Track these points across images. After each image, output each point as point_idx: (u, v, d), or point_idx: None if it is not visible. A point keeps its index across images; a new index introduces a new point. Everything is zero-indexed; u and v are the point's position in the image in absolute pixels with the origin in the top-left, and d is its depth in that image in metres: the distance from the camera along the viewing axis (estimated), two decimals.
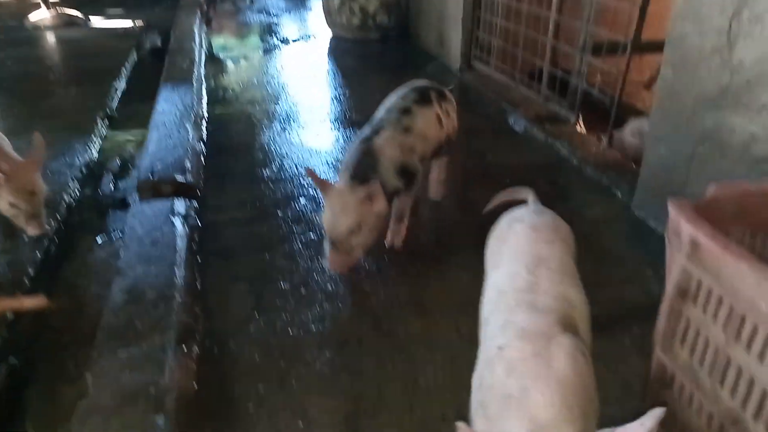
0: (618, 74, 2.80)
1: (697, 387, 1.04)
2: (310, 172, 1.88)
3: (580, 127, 3.21)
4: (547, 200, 2.59)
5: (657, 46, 3.09)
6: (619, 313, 1.95)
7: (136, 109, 3.95)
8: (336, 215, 1.86)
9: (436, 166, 2.57)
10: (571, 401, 0.94)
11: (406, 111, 2.19)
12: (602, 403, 1.05)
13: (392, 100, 2.31)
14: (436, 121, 2.26)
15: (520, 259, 1.31)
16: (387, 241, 2.26)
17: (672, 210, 1.05)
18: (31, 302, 1.79)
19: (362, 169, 1.95)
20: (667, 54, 2.25)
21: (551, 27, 3.27)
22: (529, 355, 1.01)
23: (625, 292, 2.05)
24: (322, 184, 1.91)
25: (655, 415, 0.83)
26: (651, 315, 1.90)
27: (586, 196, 2.69)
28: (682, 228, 1.01)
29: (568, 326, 1.11)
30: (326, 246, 1.96)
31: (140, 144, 3.37)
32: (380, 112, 2.27)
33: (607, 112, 2.92)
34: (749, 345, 0.92)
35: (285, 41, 5.47)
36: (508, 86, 3.80)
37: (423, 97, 2.28)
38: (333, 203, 1.88)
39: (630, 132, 2.89)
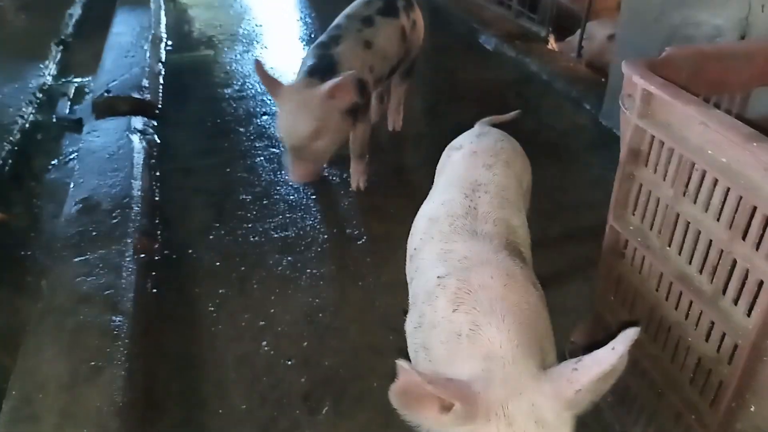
0: None
1: (647, 249, 1.05)
2: (259, 66, 1.67)
3: (551, 43, 3.15)
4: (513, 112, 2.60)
5: None
6: (580, 214, 1.95)
7: (93, 36, 3.78)
8: (293, 118, 1.64)
9: (396, 93, 2.29)
10: (527, 335, 0.83)
11: (367, 21, 1.93)
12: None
13: (356, 4, 2.05)
14: (400, 36, 2.01)
15: (456, 185, 1.16)
16: (352, 184, 2.05)
17: (626, 69, 1.01)
18: None
19: (321, 67, 1.74)
20: None
21: None
22: (476, 286, 0.88)
23: (588, 194, 2.05)
24: (272, 84, 1.68)
25: (627, 336, 0.71)
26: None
27: (556, 109, 2.66)
28: (635, 83, 0.98)
29: (513, 252, 1.01)
30: (286, 155, 1.79)
31: (96, 67, 3.24)
32: (340, 19, 1.99)
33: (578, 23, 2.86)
34: (696, 196, 0.91)
35: None
36: (480, 6, 3.69)
37: (388, 6, 2.02)
38: (289, 104, 1.65)
39: (597, 39, 2.81)
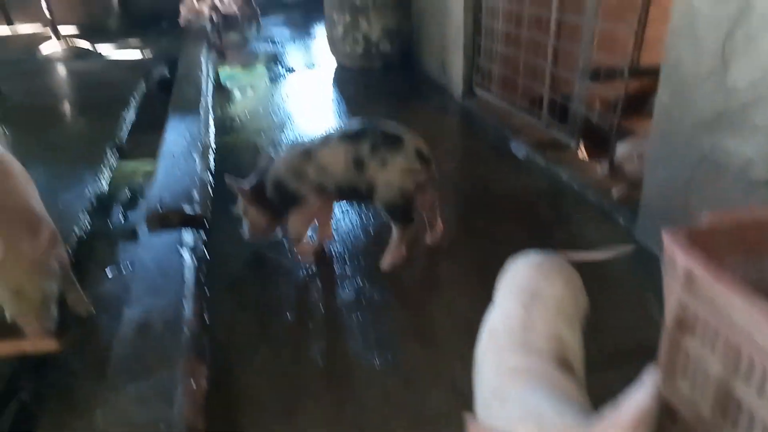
0: (617, 99, 2.84)
1: (699, 420, 1.06)
2: (229, 178, 2.29)
3: (581, 153, 3.25)
4: (548, 226, 2.66)
5: (655, 71, 3.16)
6: (620, 337, 1.96)
7: (145, 140, 4.03)
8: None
9: (393, 231, 2.34)
10: None
11: (326, 139, 2.22)
12: None
13: (341, 127, 2.29)
14: (350, 161, 2.13)
15: (515, 296, 1.29)
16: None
17: (667, 240, 1.07)
18: (43, 344, 1.79)
19: (261, 170, 2.35)
20: (663, 77, 2.30)
21: (550, 53, 3.33)
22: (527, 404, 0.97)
23: (626, 316, 2.07)
24: (240, 191, 2.34)
25: (650, 376, 0.79)
26: (653, 340, 1.93)
27: (588, 222, 2.71)
28: (677, 258, 1.03)
29: (564, 368, 1.09)
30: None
31: (148, 174, 3.44)
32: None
33: (608, 137, 2.96)
34: (748, 378, 0.93)
35: (290, 70, 5.57)
36: (509, 112, 3.85)
37: (355, 134, 2.17)
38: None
39: (627, 157, 2.90)
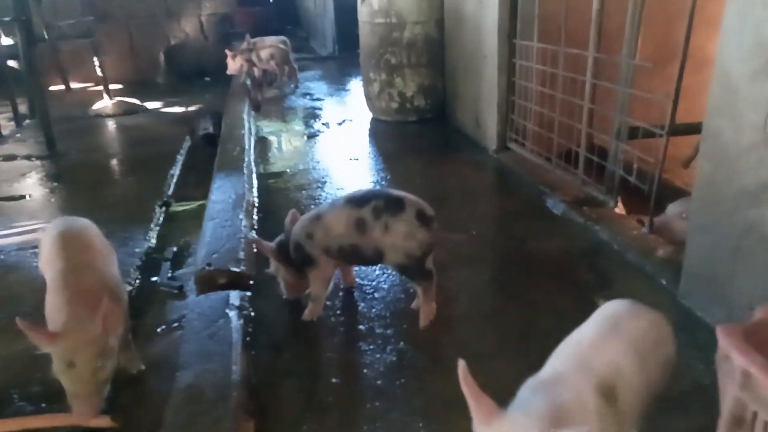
0: (655, 162, 2.86)
1: None
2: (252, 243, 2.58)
3: (620, 210, 3.26)
4: (588, 288, 2.66)
5: (693, 128, 3.18)
6: (668, 407, 1.93)
7: (190, 194, 4.21)
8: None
9: (418, 291, 2.43)
10: None
11: (333, 203, 2.42)
12: None
13: (350, 192, 2.54)
14: (352, 224, 2.25)
15: (595, 323, 1.45)
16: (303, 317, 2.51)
17: (721, 337, 1.09)
18: (97, 421, 1.83)
19: (283, 236, 2.49)
20: (704, 148, 2.32)
21: (585, 114, 3.39)
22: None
23: (674, 385, 2.03)
24: (265, 251, 2.52)
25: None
26: (702, 409, 1.89)
27: (630, 283, 2.70)
28: (734, 357, 1.05)
29: (604, 391, 1.20)
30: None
31: (194, 230, 3.57)
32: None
33: (646, 193, 2.97)
34: None
35: (328, 125, 5.75)
36: (544, 168, 3.89)
37: (359, 199, 2.33)
38: None
39: (676, 215, 2.88)
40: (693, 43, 2.67)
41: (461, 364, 1.18)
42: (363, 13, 5.46)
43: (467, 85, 4.91)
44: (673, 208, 2.76)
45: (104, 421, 1.84)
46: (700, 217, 2.37)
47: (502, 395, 2.03)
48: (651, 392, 1.39)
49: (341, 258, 2.40)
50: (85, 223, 2.29)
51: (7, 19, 4.47)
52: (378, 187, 2.49)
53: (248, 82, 6.99)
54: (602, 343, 1.33)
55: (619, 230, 3.05)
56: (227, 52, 7.10)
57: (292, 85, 7.48)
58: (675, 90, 2.71)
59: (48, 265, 2.08)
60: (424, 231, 2.23)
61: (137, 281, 2.93)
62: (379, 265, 2.92)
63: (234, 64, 7.10)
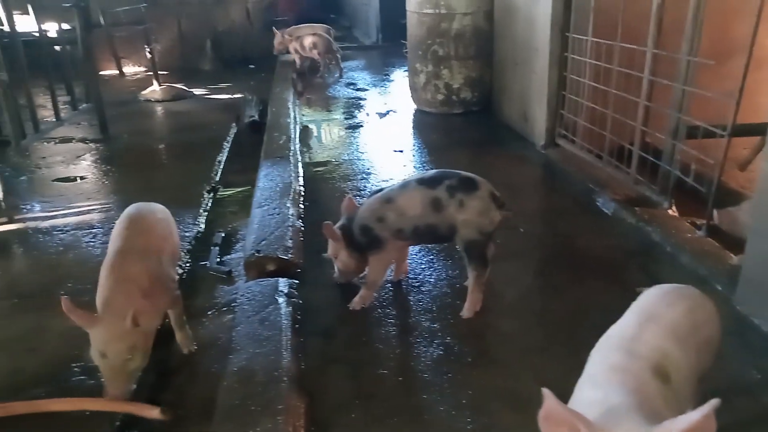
0: (715, 164, 2.77)
1: None
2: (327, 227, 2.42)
3: (674, 212, 3.18)
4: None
5: (755, 129, 3.08)
6: (723, 419, 1.88)
7: (235, 181, 4.28)
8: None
9: (469, 278, 2.47)
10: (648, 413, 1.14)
11: (404, 185, 2.43)
12: None
13: (418, 173, 2.58)
14: (428, 204, 2.33)
15: (635, 313, 1.52)
16: (351, 305, 2.54)
17: None
18: (148, 411, 1.89)
19: (344, 221, 2.50)
20: (766, 150, 2.24)
21: (640, 113, 3.30)
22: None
23: (730, 396, 1.98)
24: (332, 235, 2.46)
25: (710, 403, 1.00)
26: (759, 421, 1.85)
27: None
28: None
29: (659, 373, 1.29)
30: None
31: (239, 216, 3.64)
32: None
33: (703, 195, 2.88)
34: None
35: (371, 115, 5.76)
36: (594, 166, 3.82)
37: (431, 179, 2.39)
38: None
39: (746, 210, 2.76)
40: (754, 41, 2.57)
41: (546, 394, 1.16)
42: (411, 3, 5.43)
43: (516, 78, 4.84)
44: (745, 204, 2.64)
45: (154, 413, 1.89)
46: (761, 222, 2.30)
47: (552, 391, 2.03)
48: (699, 370, 1.48)
49: (414, 238, 2.47)
50: (153, 209, 2.34)
51: (67, 4, 4.60)
52: (443, 169, 2.50)
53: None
54: (644, 332, 1.42)
55: (672, 232, 2.97)
56: (275, 30, 7.32)
57: (336, 74, 7.50)
58: (739, 89, 2.61)
59: (111, 243, 2.16)
60: (495, 209, 2.34)
61: (188, 265, 3.00)
62: (425, 261, 2.93)
63: (278, 44, 7.39)
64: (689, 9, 2.86)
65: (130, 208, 2.30)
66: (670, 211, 3.19)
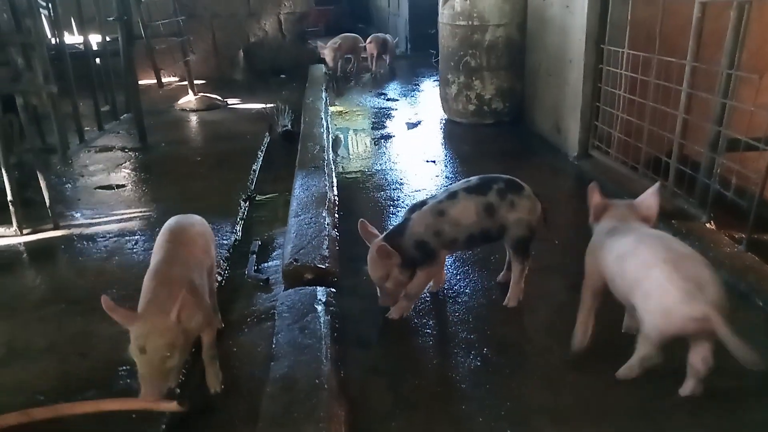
0: (756, 177, 2.74)
1: None
2: (363, 226, 2.42)
3: (712, 225, 3.14)
4: None
5: None
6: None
7: (269, 189, 4.36)
8: (370, 266, 2.42)
9: (513, 271, 2.59)
10: None
11: (451, 195, 2.46)
12: None
13: (459, 182, 2.57)
14: (482, 210, 2.42)
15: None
16: (392, 314, 2.55)
17: None
18: (165, 406, 1.89)
19: (394, 232, 2.44)
20: None
21: (678, 126, 3.28)
22: None
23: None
24: (368, 236, 2.44)
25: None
26: None
27: None
28: None
29: None
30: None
31: (274, 224, 3.71)
32: (442, 191, 2.56)
33: (742, 209, 2.85)
34: None
35: (402, 125, 5.81)
36: (629, 177, 3.79)
37: (478, 186, 2.47)
38: (369, 254, 2.40)
39: None
40: None
41: None
42: (444, 15, 5.48)
43: (548, 89, 4.84)
44: None
45: (171, 406, 1.89)
46: None
47: (591, 407, 2.03)
48: None
49: (466, 246, 2.56)
50: (193, 221, 2.38)
51: (110, 18, 4.75)
52: (482, 175, 2.61)
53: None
54: None
55: (711, 246, 2.94)
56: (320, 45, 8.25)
57: (385, 68, 8.43)
58: None
59: (153, 255, 2.22)
60: (540, 205, 2.50)
61: (226, 272, 3.07)
62: (461, 272, 2.95)
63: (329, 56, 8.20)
64: (730, 23, 2.84)
65: (171, 221, 2.34)
66: (708, 225, 3.15)
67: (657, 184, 2.29)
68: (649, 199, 2.24)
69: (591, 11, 3.93)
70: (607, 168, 4.03)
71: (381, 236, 2.44)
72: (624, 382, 2.11)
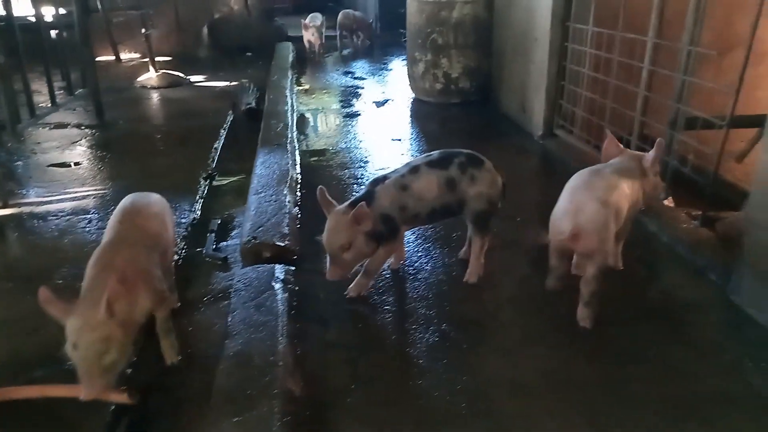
0: (712, 154, 2.78)
1: None
2: (321, 192, 2.27)
3: (670, 202, 3.18)
4: (638, 283, 2.61)
5: (753, 121, 3.08)
6: (719, 409, 1.89)
7: (232, 168, 4.27)
8: (331, 233, 2.27)
9: (473, 246, 2.59)
10: None
11: (414, 170, 2.42)
12: None
13: (420, 157, 2.54)
14: (443, 184, 2.40)
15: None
16: (350, 292, 2.51)
17: None
18: (115, 397, 1.82)
19: (361, 198, 2.33)
20: (766, 141, 2.25)
21: (639, 104, 3.30)
22: None
23: (723, 384, 2.00)
24: (328, 205, 2.31)
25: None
26: (754, 410, 1.86)
27: (678, 277, 2.65)
28: None
29: None
30: (327, 259, 2.31)
31: (235, 203, 3.63)
32: (402, 164, 2.50)
33: (699, 186, 2.89)
34: None
35: (369, 104, 5.74)
36: (592, 156, 3.80)
37: (440, 161, 2.44)
38: (330, 222, 2.28)
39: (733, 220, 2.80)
40: (755, 34, 2.56)
41: None
42: None
43: (514, 68, 4.83)
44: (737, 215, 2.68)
45: (121, 397, 1.82)
46: (758, 212, 2.30)
47: (551, 378, 2.04)
48: None
49: (427, 220, 2.53)
50: (150, 201, 2.27)
51: None
52: (444, 149, 2.56)
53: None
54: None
55: (668, 223, 2.98)
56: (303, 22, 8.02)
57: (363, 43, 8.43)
58: (738, 80, 2.61)
59: (105, 235, 2.12)
60: (501, 179, 2.50)
61: (183, 251, 2.99)
62: (422, 249, 2.93)
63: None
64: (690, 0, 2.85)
65: (127, 200, 2.24)
66: (666, 202, 3.20)
67: (659, 140, 2.43)
68: (651, 152, 2.42)
69: None
70: (570, 147, 4.05)
71: (344, 204, 2.34)
72: (583, 355, 2.13)
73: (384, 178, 2.44)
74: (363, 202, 2.24)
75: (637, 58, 3.29)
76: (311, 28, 7.97)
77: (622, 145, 2.54)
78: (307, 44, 8.03)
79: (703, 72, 2.99)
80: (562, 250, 2.26)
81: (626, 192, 2.28)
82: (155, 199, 2.32)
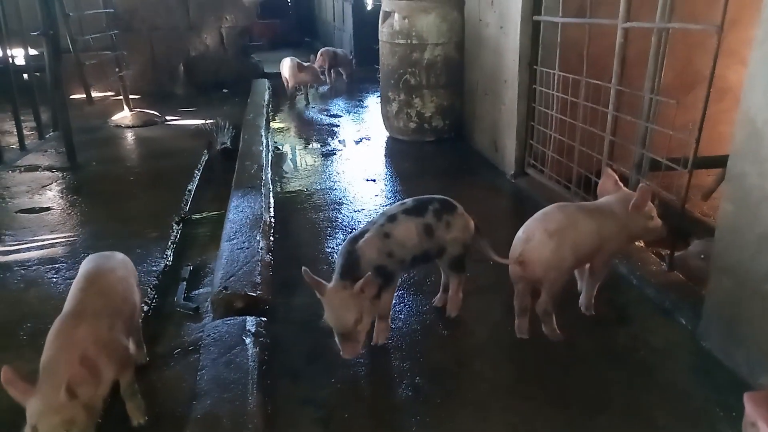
0: (677, 197, 2.84)
1: None
2: (307, 274, 2.15)
3: (640, 243, 3.23)
4: (608, 326, 2.63)
5: (715, 163, 3.16)
6: None
7: (206, 209, 4.24)
8: (339, 313, 2.17)
9: (451, 284, 2.69)
10: None
11: (391, 218, 2.44)
12: None
13: (393, 206, 2.57)
14: (422, 231, 2.43)
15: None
16: (375, 340, 2.50)
17: (748, 405, 1.08)
18: None
19: (347, 269, 2.25)
20: (727, 190, 2.31)
21: (606, 147, 3.37)
22: None
23: (690, 429, 2.01)
24: (318, 285, 2.19)
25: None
26: None
27: (648, 320, 2.67)
28: (761, 428, 1.04)
29: None
30: (337, 339, 2.22)
31: (208, 247, 3.59)
32: (377, 216, 2.52)
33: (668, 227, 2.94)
34: None
35: (344, 143, 5.78)
36: (562, 195, 3.87)
37: (415, 208, 2.49)
38: (332, 302, 2.18)
39: (695, 254, 2.88)
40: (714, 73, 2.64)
41: None
42: (383, 33, 5.50)
43: (486, 108, 4.92)
44: (694, 247, 2.75)
45: None
46: (722, 259, 2.35)
47: (518, 429, 2.02)
48: None
49: (411, 267, 2.57)
50: (113, 265, 2.20)
51: (35, 33, 4.53)
52: (416, 196, 2.61)
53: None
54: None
55: (638, 265, 3.03)
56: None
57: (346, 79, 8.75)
58: (699, 127, 2.68)
59: (66, 301, 2.02)
60: (472, 223, 2.58)
61: (154, 302, 2.94)
62: (396, 296, 2.92)
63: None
64: (651, 49, 2.94)
65: (89, 263, 2.17)
66: (636, 243, 3.25)
67: (641, 185, 2.56)
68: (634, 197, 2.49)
69: (523, 33, 4.02)
70: (542, 186, 4.11)
71: (333, 281, 2.24)
72: (552, 405, 2.13)
73: (361, 233, 2.38)
74: (369, 274, 2.15)
75: (602, 102, 3.38)
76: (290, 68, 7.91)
77: (621, 183, 2.62)
78: (285, 81, 7.95)
79: (668, 110, 3.06)
80: (517, 277, 2.45)
81: (588, 229, 2.38)
82: (119, 260, 2.26)
